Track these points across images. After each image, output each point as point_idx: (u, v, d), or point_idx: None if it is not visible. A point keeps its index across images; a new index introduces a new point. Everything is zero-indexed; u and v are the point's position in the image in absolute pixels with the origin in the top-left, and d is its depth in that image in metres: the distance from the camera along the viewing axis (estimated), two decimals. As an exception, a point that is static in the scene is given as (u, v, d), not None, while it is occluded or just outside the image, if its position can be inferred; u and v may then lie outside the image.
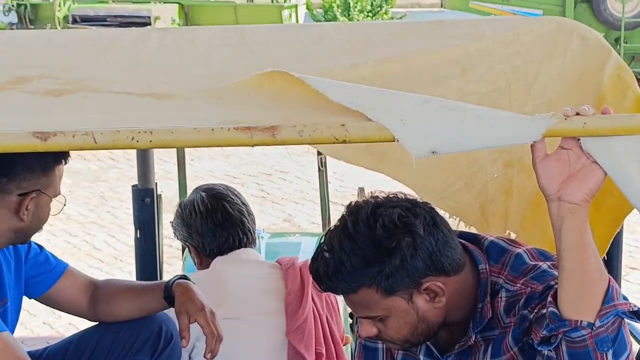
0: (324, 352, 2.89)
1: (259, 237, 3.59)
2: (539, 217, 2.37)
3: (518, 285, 2.01)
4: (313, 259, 1.99)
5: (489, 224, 2.64)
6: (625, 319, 1.80)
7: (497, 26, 2.42)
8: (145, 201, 3.65)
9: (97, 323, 2.78)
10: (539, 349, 1.85)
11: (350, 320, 3.98)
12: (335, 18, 15.70)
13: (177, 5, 15.34)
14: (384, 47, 2.19)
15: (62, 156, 2.45)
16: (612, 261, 2.47)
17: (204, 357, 2.52)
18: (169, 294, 2.60)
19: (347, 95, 1.65)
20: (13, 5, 15.39)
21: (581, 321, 1.75)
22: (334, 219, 2.05)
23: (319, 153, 4.10)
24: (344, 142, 1.57)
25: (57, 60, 2.04)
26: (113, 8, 15.18)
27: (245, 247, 2.97)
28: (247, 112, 1.70)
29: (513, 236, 2.56)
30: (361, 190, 3.96)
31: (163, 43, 2.20)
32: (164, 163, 7.36)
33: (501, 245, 2.11)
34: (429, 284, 1.96)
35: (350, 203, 2.02)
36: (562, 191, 1.73)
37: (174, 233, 3.07)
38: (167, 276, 4.00)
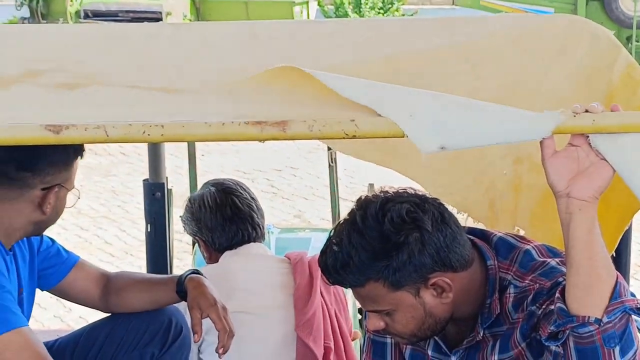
0: (332, 346, 2.90)
1: (268, 233, 3.61)
2: (548, 214, 2.37)
3: (526, 281, 2.02)
4: (322, 251, 2.00)
5: (497, 220, 2.64)
6: (633, 316, 1.80)
7: (507, 23, 2.42)
8: (156, 195, 3.66)
9: (108, 315, 2.81)
10: (546, 344, 1.86)
11: (359, 316, 3.99)
12: (346, 14, 15.69)
13: (188, 0, 15.36)
14: (395, 44, 2.19)
15: (80, 151, 2.49)
16: (620, 259, 2.47)
17: (216, 351, 2.54)
18: (181, 288, 2.62)
19: (357, 91, 1.66)
20: (25, 0, 15.43)
21: (589, 317, 1.76)
22: (344, 215, 2.06)
23: (329, 149, 4.11)
24: (354, 137, 1.58)
25: (70, 54, 2.05)
26: (125, 3, 15.19)
27: (254, 241, 2.98)
28: (257, 107, 1.71)
29: (522, 232, 2.57)
30: (371, 186, 3.97)
31: (174, 38, 2.21)
32: (174, 158, 7.38)
33: (510, 241, 2.12)
34: (436, 279, 1.97)
35: (360, 197, 2.03)
36: (570, 188, 1.74)
37: (184, 227, 3.08)
38: (177, 270, 4.02)
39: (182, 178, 4.45)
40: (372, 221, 1.94)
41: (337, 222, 2.06)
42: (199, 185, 3.77)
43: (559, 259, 2.05)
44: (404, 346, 2.25)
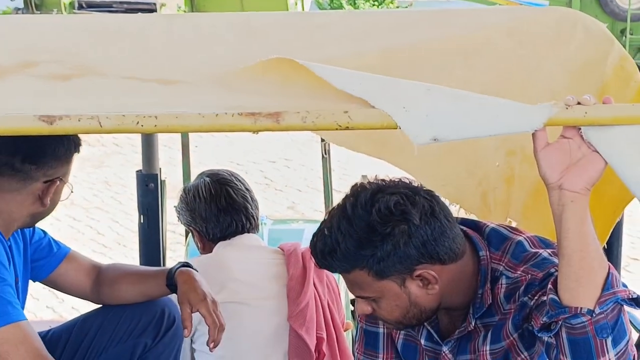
0: (324, 336, 2.91)
1: (262, 224, 3.61)
2: (541, 206, 2.38)
3: (518, 272, 2.04)
4: (314, 235, 2.03)
5: (490, 211, 2.65)
6: (625, 306, 1.81)
7: (501, 16, 2.43)
8: (149, 186, 3.66)
9: (101, 306, 2.81)
10: (539, 335, 1.87)
11: (351, 307, 4.00)
12: (341, 6, 15.69)
13: (183, -9, 15.34)
14: (389, 35, 2.20)
15: (79, 145, 2.52)
16: (612, 250, 2.49)
17: (207, 345, 2.54)
18: (172, 281, 2.63)
19: (351, 83, 1.66)
20: (19, -9, 15.41)
21: (581, 308, 1.76)
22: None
23: (322, 140, 4.11)
24: (347, 128, 1.59)
25: (64, 45, 2.05)
26: (119, -6, 15.17)
27: (248, 232, 2.99)
28: (251, 98, 1.71)
29: (514, 224, 2.58)
30: (364, 178, 3.97)
31: (169, 29, 2.21)
32: (168, 149, 7.38)
33: (502, 232, 2.13)
34: (421, 271, 1.98)
35: (355, 184, 2.04)
36: (563, 180, 1.74)
37: (178, 217, 3.09)
38: (169, 262, 4.02)
39: (176, 169, 4.45)
40: (360, 210, 1.96)
41: (332, 207, 2.08)
42: (193, 177, 3.77)
43: (551, 249, 2.06)
44: (397, 336, 2.27)
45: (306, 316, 2.88)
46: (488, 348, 2.09)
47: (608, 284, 1.77)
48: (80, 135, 2.54)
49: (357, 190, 2.01)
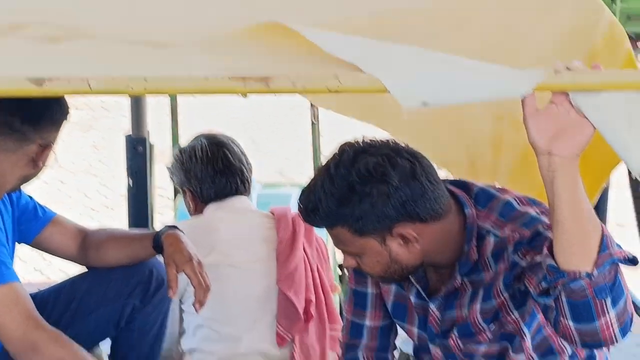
0: (313, 299, 2.94)
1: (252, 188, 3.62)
2: (528, 171, 2.40)
3: (506, 230, 2.07)
4: (302, 190, 2.10)
5: (477, 176, 2.66)
6: (621, 265, 1.83)
7: (491, -18, 2.42)
8: (137, 150, 3.67)
9: (89, 269, 2.82)
10: (538, 300, 1.89)
11: (339, 271, 4.03)
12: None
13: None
14: (379, 1, 2.20)
15: (69, 112, 2.53)
16: (598, 216, 2.50)
17: (193, 306, 2.56)
18: (158, 243, 2.64)
19: (341, 47, 1.66)
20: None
21: (579, 272, 1.77)
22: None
23: (312, 106, 4.11)
24: (337, 92, 1.58)
25: (53, 7, 2.04)
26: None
27: (242, 195, 3.01)
28: (241, 61, 1.71)
29: (502, 188, 2.59)
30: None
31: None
32: (156, 114, 7.36)
33: (490, 191, 2.16)
34: (401, 230, 2.03)
35: (343, 143, 2.09)
36: (552, 146, 1.74)
37: (171, 177, 3.09)
38: (158, 225, 4.04)
39: (164, 134, 4.45)
40: (342, 170, 2.02)
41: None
42: (181, 141, 3.78)
43: (539, 208, 2.09)
44: (388, 297, 2.31)
45: (295, 279, 2.90)
46: (479, 307, 2.13)
47: (604, 245, 1.78)
48: (68, 100, 2.55)
49: (342, 150, 2.06)
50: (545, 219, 2.03)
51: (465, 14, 2.18)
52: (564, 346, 2.19)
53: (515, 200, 2.13)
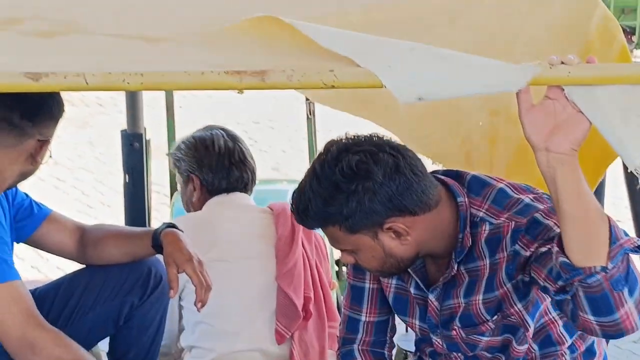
0: (312, 296, 2.94)
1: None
2: (524, 165, 2.40)
3: (502, 218, 2.08)
4: (293, 192, 2.12)
5: (473, 170, 2.66)
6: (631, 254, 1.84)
7: (486, -25, 2.42)
8: (134, 146, 3.66)
9: (87, 266, 2.82)
10: (556, 298, 1.89)
11: (336, 267, 4.03)
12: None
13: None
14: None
15: (64, 107, 2.53)
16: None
17: (195, 305, 2.55)
18: (157, 242, 2.63)
19: (337, 41, 1.67)
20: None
21: (594, 267, 1.78)
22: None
23: (307, 100, 4.11)
24: (333, 87, 1.59)
25: (48, 2, 2.04)
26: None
27: (249, 191, 3.02)
28: (237, 56, 1.71)
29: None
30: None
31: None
32: (151, 110, 7.35)
33: (483, 179, 2.17)
34: (391, 224, 2.05)
35: (328, 142, 2.10)
36: (549, 142, 1.74)
37: (175, 163, 3.06)
38: (154, 221, 4.04)
39: (160, 130, 4.45)
40: (327, 170, 2.03)
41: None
42: (177, 137, 3.77)
43: (533, 195, 2.10)
44: (388, 290, 2.32)
45: (294, 276, 2.90)
46: (481, 297, 2.14)
47: (613, 237, 1.78)
48: (63, 96, 2.55)
49: (327, 149, 2.08)
50: (539, 206, 2.05)
51: (459, 8, 2.19)
52: (563, 336, 2.21)
53: (509, 187, 2.14)
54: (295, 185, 2.16)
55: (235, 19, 1.80)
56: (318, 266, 3.04)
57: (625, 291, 1.81)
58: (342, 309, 2.47)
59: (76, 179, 7.23)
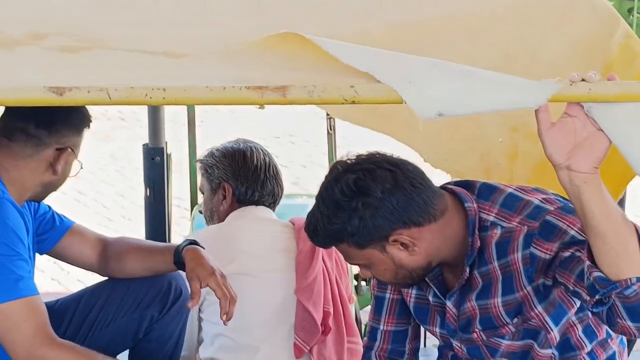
0: (331, 310, 2.93)
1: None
2: (545, 181, 2.39)
3: (514, 223, 2.11)
4: (307, 215, 2.19)
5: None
6: None
7: (507, -7, 2.42)
8: (155, 160, 3.68)
9: (108, 278, 2.83)
10: (594, 311, 1.91)
11: (355, 282, 4.02)
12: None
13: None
14: (395, 12, 2.21)
15: (90, 120, 2.58)
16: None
17: (220, 318, 2.55)
18: (179, 259, 2.64)
19: (357, 57, 1.68)
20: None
21: (630, 279, 1.79)
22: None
23: (327, 116, 4.12)
24: (353, 102, 1.60)
25: (72, 17, 2.06)
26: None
27: (276, 206, 3.04)
28: (258, 72, 1.73)
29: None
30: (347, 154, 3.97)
31: (177, 2, 2.22)
32: (173, 124, 7.39)
33: (493, 185, 2.22)
34: (396, 236, 2.09)
35: (335, 162, 2.19)
36: (570, 161, 1.75)
37: (207, 169, 3.07)
38: (175, 235, 4.05)
39: (181, 144, 4.47)
40: (329, 190, 2.10)
41: None
42: (199, 151, 3.78)
43: (543, 196, 2.13)
44: (409, 300, 2.36)
45: (314, 290, 2.90)
46: (499, 300, 2.16)
47: None
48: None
49: (332, 170, 2.16)
50: (550, 207, 2.08)
51: (480, 25, 2.19)
52: (583, 341, 2.22)
53: (518, 191, 2.18)
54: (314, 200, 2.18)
55: (257, 35, 1.82)
56: (338, 281, 3.04)
57: None
58: (368, 321, 2.51)
59: (97, 192, 7.26)
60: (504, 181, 2.68)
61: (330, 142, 4.31)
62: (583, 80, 1.66)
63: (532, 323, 2.16)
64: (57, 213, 2.78)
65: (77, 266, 2.86)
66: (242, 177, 3.00)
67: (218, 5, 2.20)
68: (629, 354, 2.40)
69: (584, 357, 2.23)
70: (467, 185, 2.22)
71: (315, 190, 2.25)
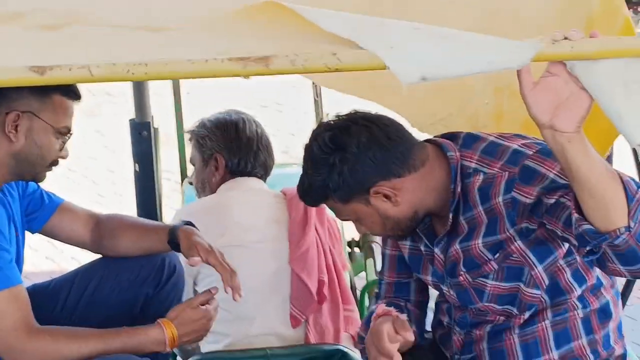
0: (325, 279, 2.95)
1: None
2: (531, 141, 2.39)
3: (495, 169, 2.17)
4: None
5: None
6: None
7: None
8: (142, 134, 3.67)
9: (101, 257, 2.83)
10: (586, 260, 1.95)
11: (349, 250, 4.04)
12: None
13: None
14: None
15: (63, 88, 2.47)
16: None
17: (225, 292, 2.55)
18: (174, 238, 2.64)
19: (338, 24, 1.67)
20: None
21: (618, 229, 1.82)
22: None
23: (313, 83, 4.11)
24: (336, 70, 1.60)
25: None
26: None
27: (267, 177, 3.04)
28: (240, 43, 1.72)
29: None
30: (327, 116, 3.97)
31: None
32: (159, 98, 7.35)
33: (476, 134, 2.28)
34: (377, 188, 2.16)
35: (317, 125, 2.27)
36: (553, 120, 1.76)
37: (199, 141, 3.06)
38: (166, 209, 4.05)
39: (168, 117, 4.45)
40: (309, 149, 2.20)
41: None
42: (186, 123, 3.77)
43: (522, 141, 2.19)
44: (405, 253, 2.44)
45: (307, 259, 2.91)
46: (480, 241, 2.22)
47: (628, 194, 1.82)
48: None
49: (312, 132, 2.24)
50: (528, 151, 2.13)
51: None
52: (572, 284, 2.25)
53: (499, 138, 2.23)
54: None
55: (236, 6, 1.81)
56: (331, 249, 3.05)
57: None
58: None
59: (86, 168, 7.25)
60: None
61: (317, 109, 4.31)
62: (565, 38, 1.65)
63: (514, 259, 2.20)
64: (45, 191, 2.76)
65: (70, 244, 2.85)
66: (234, 148, 3.00)
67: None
68: (623, 307, 2.41)
69: (574, 302, 2.26)
70: (452, 136, 2.28)
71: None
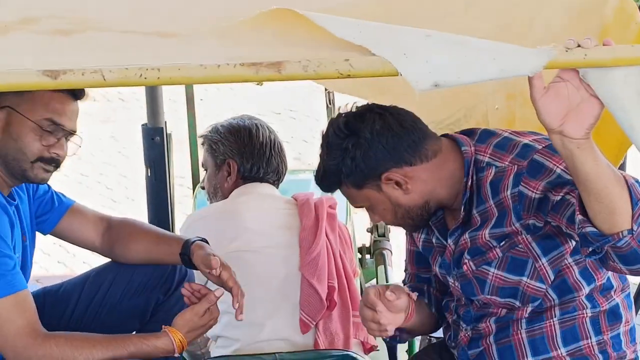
0: (336, 285, 2.94)
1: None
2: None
3: (506, 162, 2.20)
4: None
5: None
6: None
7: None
8: (155, 140, 3.67)
9: (112, 261, 2.83)
10: (588, 259, 2.00)
11: (359, 256, 4.03)
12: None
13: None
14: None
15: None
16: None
17: (233, 307, 2.54)
18: (187, 251, 2.62)
19: (351, 31, 1.67)
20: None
21: (622, 232, 1.85)
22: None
23: (326, 90, 4.11)
24: (348, 76, 1.60)
25: (63, 0, 2.05)
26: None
27: (279, 183, 3.04)
28: (253, 48, 1.72)
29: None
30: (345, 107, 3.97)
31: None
32: (172, 103, 7.37)
33: (492, 130, 2.32)
34: (389, 174, 2.21)
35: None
36: (563, 126, 1.76)
37: (212, 146, 3.06)
38: (178, 215, 4.05)
39: (181, 123, 4.46)
40: (325, 135, 2.26)
41: None
42: (199, 130, 3.78)
43: (534, 137, 2.21)
44: (419, 245, 2.49)
45: (318, 265, 2.90)
46: (487, 231, 2.24)
47: (633, 198, 1.84)
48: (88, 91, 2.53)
49: (330, 121, 2.29)
50: (538, 146, 2.16)
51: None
52: (580, 283, 2.26)
53: (513, 134, 2.26)
54: None
55: (250, 12, 1.81)
56: (342, 255, 3.04)
57: None
58: None
59: (100, 174, 7.27)
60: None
61: (330, 116, 4.31)
62: (579, 46, 1.65)
63: (519, 249, 2.21)
64: (56, 193, 2.74)
65: (80, 246, 2.84)
66: (247, 153, 3.00)
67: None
68: (636, 313, 2.41)
69: (583, 301, 2.27)
70: (469, 132, 2.32)
71: (317, 164, 2.30)
